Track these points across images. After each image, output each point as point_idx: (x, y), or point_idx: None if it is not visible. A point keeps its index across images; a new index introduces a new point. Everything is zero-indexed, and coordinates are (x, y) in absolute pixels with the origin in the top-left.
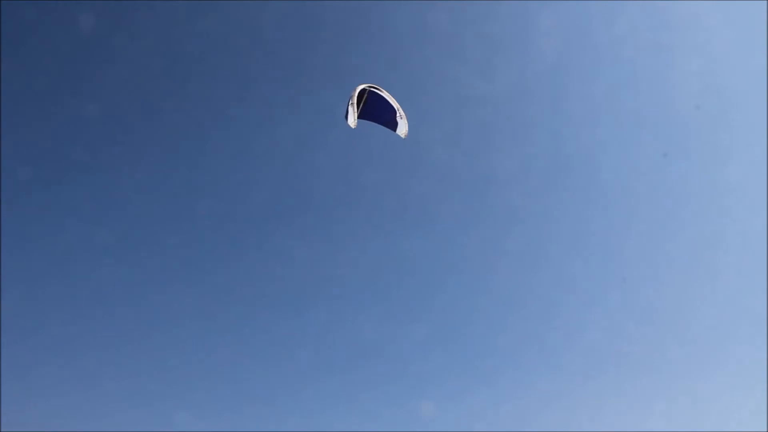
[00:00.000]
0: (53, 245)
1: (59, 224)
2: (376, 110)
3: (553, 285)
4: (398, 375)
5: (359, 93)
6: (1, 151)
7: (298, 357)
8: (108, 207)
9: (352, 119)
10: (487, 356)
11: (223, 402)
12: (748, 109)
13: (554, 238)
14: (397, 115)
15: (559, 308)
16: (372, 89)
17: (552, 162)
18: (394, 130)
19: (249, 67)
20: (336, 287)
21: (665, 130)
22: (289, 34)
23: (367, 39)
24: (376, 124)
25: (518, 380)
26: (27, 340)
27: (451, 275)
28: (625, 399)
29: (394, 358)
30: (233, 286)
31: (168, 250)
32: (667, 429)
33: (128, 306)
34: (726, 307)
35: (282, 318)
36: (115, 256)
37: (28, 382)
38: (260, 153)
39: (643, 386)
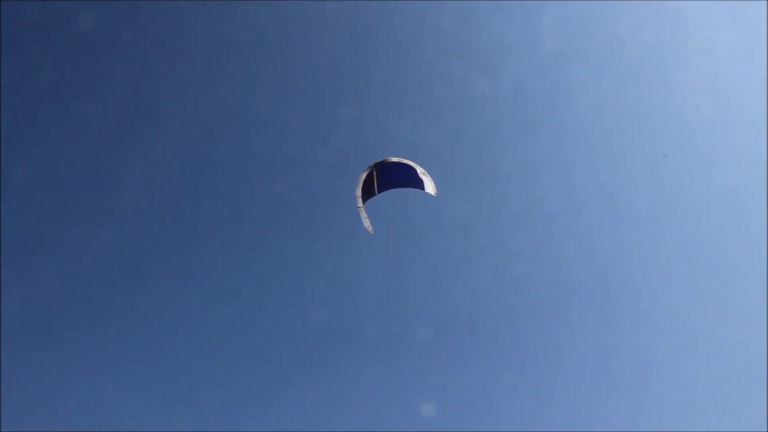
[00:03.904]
0: (53, 245)
1: (59, 224)
2: (393, 177)
3: (553, 285)
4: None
5: (367, 177)
6: (1, 151)
7: (296, 356)
8: (108, 207)
9: (368, 223)
10: (486, 355)
11: (222, 403)
12: (748, 109)
13: (553, 238)
14: (419, 172)
15: (559, 308)
16: (379, 163)
17: (552, 162)
18: (423, 189)
19: (249, 67)
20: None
21: (665, 130)
22: (289, 34)
23: (368, 38)
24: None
25: (517, 380)
26: (27, 340)
27: (456, 275)
28: (625, 399)
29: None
30: (234, 286)
31: (169, 250)
32: (667, 429)
33: (128, 307)
34: (726, 307)
35: (281, 318)
36: (116, 257)
37: (28, 382)
38: (263, 153)
39: (644, 386)
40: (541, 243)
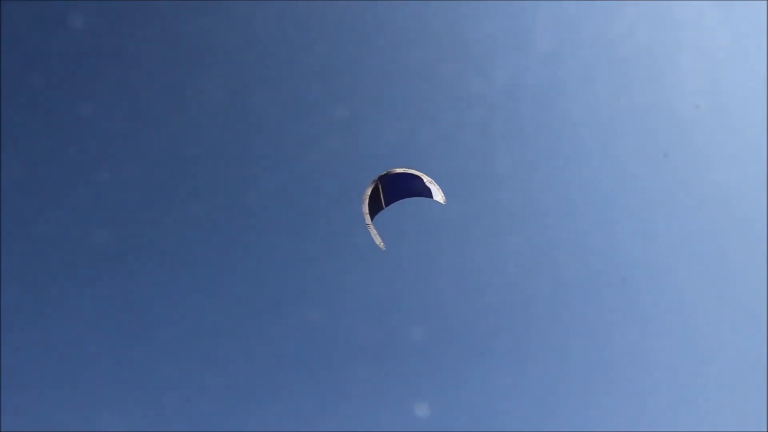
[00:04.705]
0: (53, 245)
1: (59, 224)
2: (399, 188)
3: (553, 285)
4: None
5: (372, 191)
6: (1, 150)
7: (295, 356)
8: (108, 207)
9: (379, 239)
10: (485, 355)
11: (219, 403)
12: (748, 109)
13: (554, 238)
14: (425, 181)
15: (559, 308)
16: (383, 176)
17: (551, 162)
18: (430, 197)
19: (242, 69)
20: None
21: (665, 130)
22: (287, 34)
23: (363, 38)
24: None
25: (516, 380)
26: (27, 340)
27: (452, 276)
28: (626, 399)
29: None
30: (230, 286)
31: (167, 250)
32: (667, 429)
33: (128, 306)
34: (726, 307)
35: (280, 317)
36: (115, 257)
37: (28, 382)
38: (261, 154)
39: (645, 386)
40: (538, 244)
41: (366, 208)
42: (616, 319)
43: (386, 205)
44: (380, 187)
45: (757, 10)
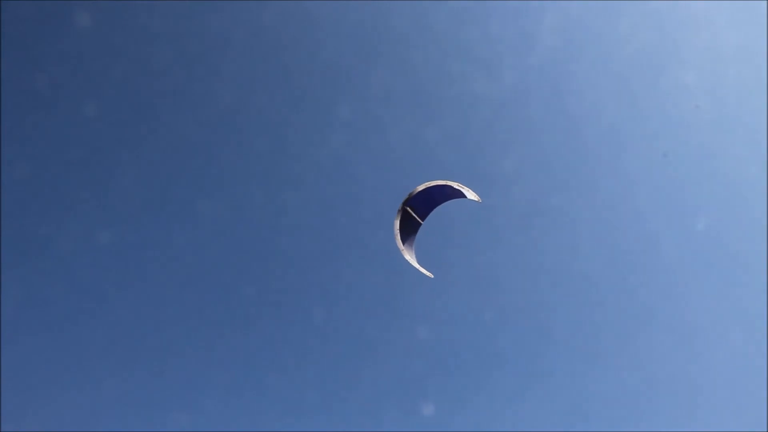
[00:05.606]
0: (53, 245)
1: (59, 224)
2: (430, 200)
3: (553, 285)
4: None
5: (402, 220)
6: (1, 151)
7: (296, 356)
8: (108, 207)
9: (424, 269)
10: (485, 356)
11: (220, 403)
12: (748, 109)
13: (553, 238)
14: (454, 185)
15: (560, 308)
16: (407, 200)
17: (551, 161)
18: (466, 197)
19: (246, 67)
20: (338, 287)
21: (665, 130)
22: (289, 34)
23: (367, 38)
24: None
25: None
26: (27, 340)
27: (452, 278)
28: (624, 400)
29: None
30: (232, 286)
31: (167, 250)
32: (667, 429)
33: (128, 306)
34: (726, 306)
35: (282, 318)
36: (114, 258)
37: (28, 382)
38: (262, 154)
39: (644, 387)
40: (538, 243)
41: (400, 243)
42: (616, 318)
43: (423, 220)
44: (409, 209)
45: (757, 10)
